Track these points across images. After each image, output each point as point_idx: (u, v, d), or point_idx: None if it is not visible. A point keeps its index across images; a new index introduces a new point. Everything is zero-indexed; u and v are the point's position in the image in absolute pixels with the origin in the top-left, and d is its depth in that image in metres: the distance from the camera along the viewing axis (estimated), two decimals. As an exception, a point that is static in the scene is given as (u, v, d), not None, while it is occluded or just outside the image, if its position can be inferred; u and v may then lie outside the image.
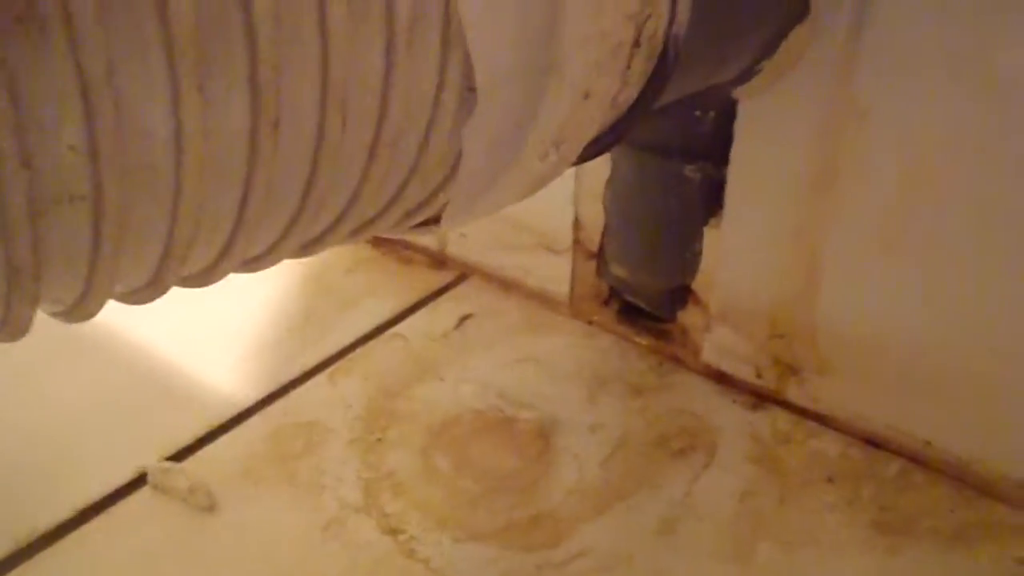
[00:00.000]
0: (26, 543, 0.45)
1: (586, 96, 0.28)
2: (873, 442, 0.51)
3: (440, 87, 0.24)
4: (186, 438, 0.51)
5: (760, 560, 0.45)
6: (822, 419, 0.52)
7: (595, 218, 0.57)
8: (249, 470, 0.49)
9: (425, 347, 0.59)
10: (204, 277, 0.26)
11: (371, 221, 0.28)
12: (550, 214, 0.60)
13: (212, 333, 0.60)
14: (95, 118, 0.19)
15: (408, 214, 0.29)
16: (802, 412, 0.53)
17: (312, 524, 0.46)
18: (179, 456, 0.50)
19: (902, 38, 0.42)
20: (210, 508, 0.47)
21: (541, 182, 0.30)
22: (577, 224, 0.58)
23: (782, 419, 0.53)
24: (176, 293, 0.66)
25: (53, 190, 0.19)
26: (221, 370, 0.57)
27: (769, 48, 0.43)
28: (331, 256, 0.68)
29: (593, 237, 0.58)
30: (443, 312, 0.63)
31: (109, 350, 0.59)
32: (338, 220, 0.27)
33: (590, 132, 0.30)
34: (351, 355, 0.58)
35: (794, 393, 0.53)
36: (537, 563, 0.44)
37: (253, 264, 0.27)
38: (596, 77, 0.28)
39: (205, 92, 0.20)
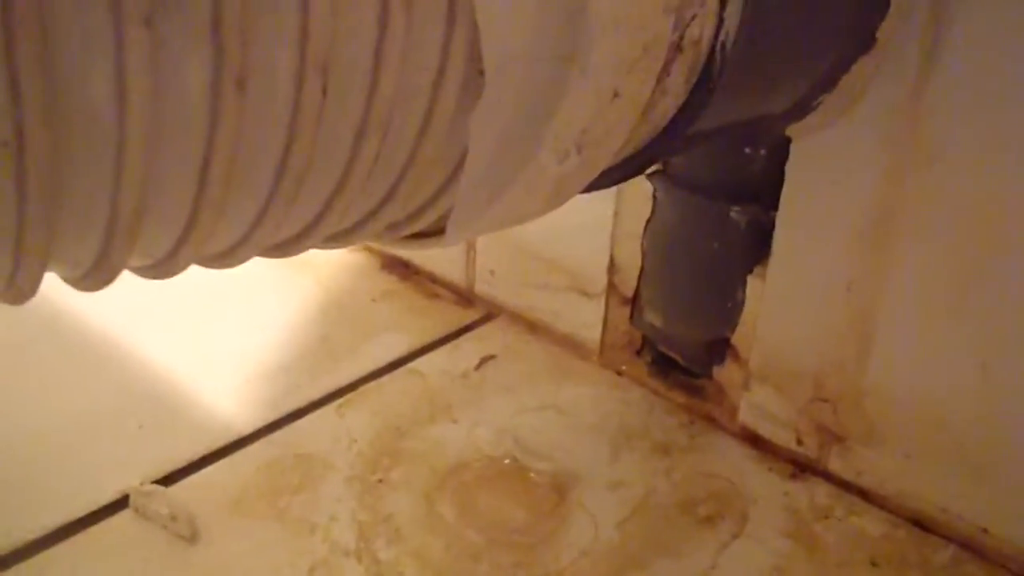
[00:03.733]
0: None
1: (615, 95, 0.25)
2: (922, 524, 0.46)
3: (443, 61, 0.21)
4: (177, 462, 0.48)
5: (789, 647, 0.40)
6: (866, 494, 0.48)
7: (632, 261, 0.54)
8: (238, 501, 0.46)
9: (442, 386, 0.56)
10: (162, 267, 0.23)
11: (360, 223, 0.25)
12: (585, 254, 0.56)
13: (222, 354, 0.57)
14: (15, 45, 0.16)
15: (406, 218, 0.26)
16: (844, 485, 0.48)
17: (297, 565, 0.42)
18: (168, 480, 0.47)
19: (981, 76, 0.38)
20: (192, 538, 0.44)
21: (560, 193, 0.27)
22: (612, 266, 0.55)
23: (822, 491, 0.48)
24: (190, 310, 0.64)
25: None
26: (225, 392, 0.54)
27: (829, 80, 0.39)
28: (354, 285, 0.66)
29: (628, 281, 0.54)
30: (465, 351, 0.59)
31: (114, 361, 0.56)
32: (319, 216, 0.23)
33: (618, 139, 0.26)
34: (363, 388, 0.55)
35: (836, 464, 0.48)
36: (538, 629, 0.40)
37: (220, 259, 0.24)
38: (627, 74, 0.24)
39: (152, 29, 0.17)
